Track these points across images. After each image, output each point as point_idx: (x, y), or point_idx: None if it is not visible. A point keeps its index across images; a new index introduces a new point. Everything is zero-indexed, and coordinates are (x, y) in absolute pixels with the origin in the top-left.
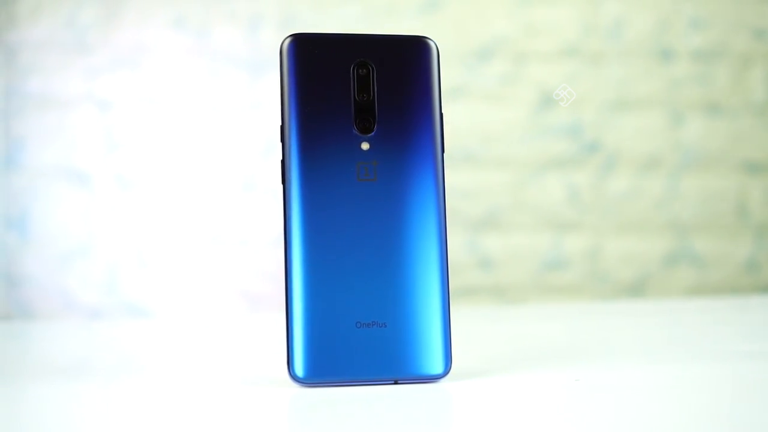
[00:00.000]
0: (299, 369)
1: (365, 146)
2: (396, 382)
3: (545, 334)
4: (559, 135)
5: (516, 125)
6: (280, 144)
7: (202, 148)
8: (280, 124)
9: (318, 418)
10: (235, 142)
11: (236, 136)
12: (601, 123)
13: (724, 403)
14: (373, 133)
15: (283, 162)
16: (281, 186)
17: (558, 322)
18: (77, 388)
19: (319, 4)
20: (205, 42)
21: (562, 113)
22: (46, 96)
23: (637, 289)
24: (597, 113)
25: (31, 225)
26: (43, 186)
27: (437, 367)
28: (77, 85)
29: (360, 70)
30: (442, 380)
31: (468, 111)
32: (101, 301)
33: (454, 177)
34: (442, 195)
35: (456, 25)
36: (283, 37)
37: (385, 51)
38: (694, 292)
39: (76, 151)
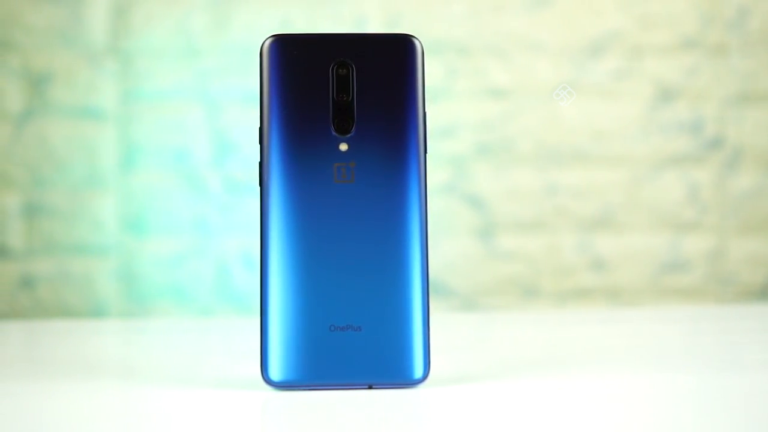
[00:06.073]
0: (272, 372)
1: (343, 147)
2: (370, 387)
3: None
4: (677, 131)
5: (631, 122)
6: (259, 146)
7: None
8: (259, 125)
9: (290, 422)
10: None
11: None
12: (723, 118)
13: None
14: (351, 134)
15: (260, 164)
16: (258, 188)
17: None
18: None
19: (423, 3)
20: None
21: (680, 109)
22: (161, 100)
23: (764, 292)
24: (719, 108)
25: (147, 225)
26: (158, 187)
27: (414, 373)
28: (189, 89)
29: (339, 70)
30: (420, 386)
31: (579, 108)
32: (212, 300)
33: (564, 175)
34: (423, 197)
35: (566, 20)
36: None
37: (366, 50)
38: None
39: (189, 153)
